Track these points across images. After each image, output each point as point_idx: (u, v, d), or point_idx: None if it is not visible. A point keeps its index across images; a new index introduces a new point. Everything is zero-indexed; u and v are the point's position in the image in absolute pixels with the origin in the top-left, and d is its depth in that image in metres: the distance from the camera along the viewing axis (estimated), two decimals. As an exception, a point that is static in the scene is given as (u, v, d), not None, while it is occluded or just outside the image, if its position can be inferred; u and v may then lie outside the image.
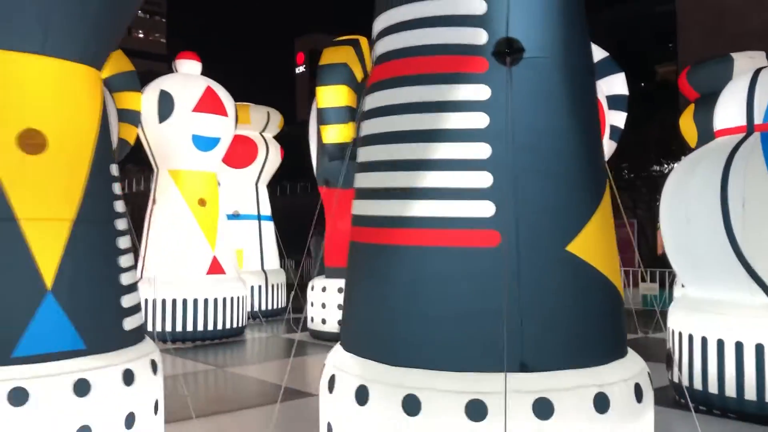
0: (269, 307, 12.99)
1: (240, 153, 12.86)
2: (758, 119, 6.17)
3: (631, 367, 3.35)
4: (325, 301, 10.29)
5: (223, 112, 10.50)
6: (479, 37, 3.27)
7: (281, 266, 14.05)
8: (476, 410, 2.94)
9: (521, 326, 3.05)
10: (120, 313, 3.90)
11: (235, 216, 12.67)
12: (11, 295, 3.45)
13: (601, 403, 3.04)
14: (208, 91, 10.41)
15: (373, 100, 3.62)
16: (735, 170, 5.85)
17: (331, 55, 9.93)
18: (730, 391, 5.64)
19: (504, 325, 2.93)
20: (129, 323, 3.95)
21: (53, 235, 3.62)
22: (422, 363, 3.13)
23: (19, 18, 3.61)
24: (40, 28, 3.68)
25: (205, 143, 10.15)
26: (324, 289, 10.33)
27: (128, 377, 3.73)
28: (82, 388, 3.49)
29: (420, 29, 3.37)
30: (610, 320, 3.38)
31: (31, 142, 3.63)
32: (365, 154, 3.65)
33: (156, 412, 3.90)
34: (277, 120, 13.84)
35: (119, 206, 4.07)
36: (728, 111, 6.47)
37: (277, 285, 13.38)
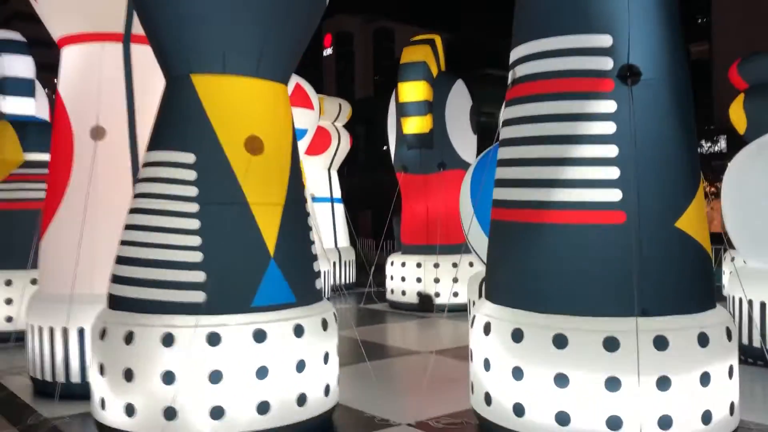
0: (344, 282, 14.19)
1: (315, 142, 13.98)
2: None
3: (721, 314, 4.40)
4: (405, 275, 11.41)
5: (309, 106, 11.62)
6: (607, 63, 4.30)
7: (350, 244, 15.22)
8: (611, 344, 4.01)
9: (642, 283, 4.10)
10: (313, 275, 5.05)
11: (312, 199, 13.85)
12: (248, 261, 4.61)
13: (702, 340, 4.10)
14: (297, 87, 11.52)
15: (516, 111, 4.66)
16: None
17: (411, 54, 10.96)
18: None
19: (634, 283, 4.00)
20: (317, 284, 5.10)
21: (272, 215, 4.77)
22: (567, 311, 4.21)
23: (243, 52, 4.74)
24: (256, 59, 4.79)
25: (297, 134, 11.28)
26: (403, 264, 11.44)
27: (324, 324, 4.88)
28: (299, 331, 4.64)
29: (560, 57, 4.41)
30: (705, 279, 4.43)
31: (254, 146, 4.77)
32: (509, 152, 4.71)
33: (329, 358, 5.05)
34: (347, 110, 14.94)
35: (304, 192, 5.20)
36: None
37: (349, 261, 14.57)
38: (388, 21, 56.10)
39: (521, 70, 4.68)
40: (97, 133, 6.04)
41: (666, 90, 4.36)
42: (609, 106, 4.27)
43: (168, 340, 4.36)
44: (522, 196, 4.55)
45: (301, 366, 4.64)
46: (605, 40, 4.31)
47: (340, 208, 14.79)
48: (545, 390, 4.15)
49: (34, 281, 8.43)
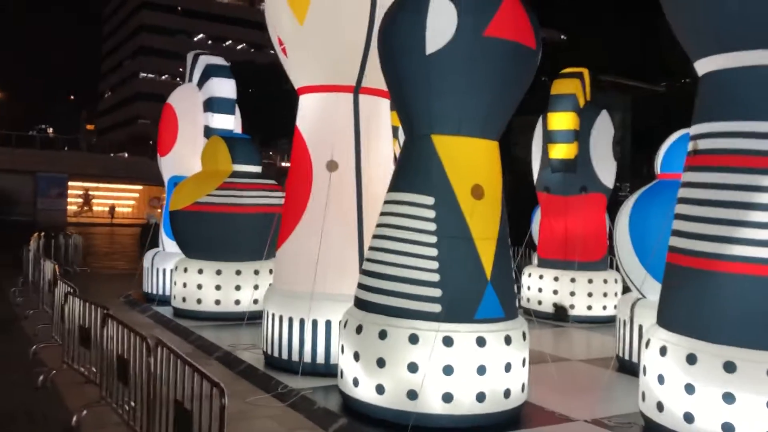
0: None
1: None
2: None
3: None
4: (542, 286, 12.54)
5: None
6: (782, 146, 5.31)
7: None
8: (774, 373, 5.06)
9: (802, 326, 5.11)
10: (514, 296, 6.34)
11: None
12: (472, 282, 5.95)
13: None
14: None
15: (698, 177, 5.74)
16: None
17: (561, 86, 12.03)
18: None
19: (797, 325, 5.03)
20: (516, 303, 6.38)
21: (489, 248, 6.08)
22: (736, 343, 5.28)
23: (473, 119, 6.05)
24: (481, 124, 6.10)
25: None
26: (541, 277, 12.57)
27: (524, 336, 6.17)
28: (508, 339, 5.94)
29: (738, 138, 5.45)
30: None
31: (478, 192, 6.08)
32: (689, 209, 5.78)
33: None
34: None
35: (508, 228, 6.48)
36: None
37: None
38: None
39: (703, 144, 5.76)
40: (332, 166, 7.57)
41: (832, 169, 5.32)
42: (784, 181, 5.29)
43: (414, 339, 5.78)
44: (699, 248, 5.63)
45: (508, 367, 5.95)
46: (782, 127, 5.32)
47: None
48: (714, 405, 5.25)
49: (256, 272, 10.44)
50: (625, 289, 11.56)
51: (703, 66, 5.89)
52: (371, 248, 6.40)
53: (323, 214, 7.45)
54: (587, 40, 46.82)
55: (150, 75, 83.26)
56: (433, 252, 5.97)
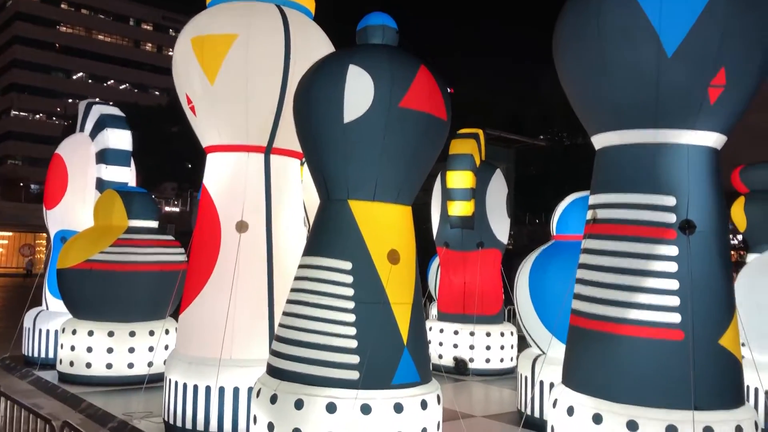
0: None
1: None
2: (811, 237, 8.65)
3: (749, 411, 5.82)
4: (442, 340, 12.76)
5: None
6: (671, 218, 5.80)
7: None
8: (672, 430, 5.41)
9: (695, 386, 5.53)
10: (428, 359, 6.44)
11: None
12: (389, 348, 5.99)
13: (738, 430, 5.51)
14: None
15: (597, 244, 6.13)
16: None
17: (459, 147, 12.54)
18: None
19: (692, 385, 5.43)
20: (429, 366, 6.48)
21: (405, 312, 6.18)
22: (637, 402, 5.61)
23: (389, 186, 6.20)
24: (396, 190, 6.25)
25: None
26: (441, 330, 12.81)
27: (438, 399, 6.25)
28: (424, 404, 6.01)
29: (635, 210, 5.90)
30: (738, 383, 5.86)
31: (394, 257, 6.19)
32: (589, 275, 6.15)
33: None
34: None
35: (421, 291, 6.59)
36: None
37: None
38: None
39: (601, 213, 6.18)
40: (242, 226, 7.44)
41: (714, 238, 5.86)
42: (672, 250, 5.76)
43: (331, 408, 5.70)
44: (600, 311, 5.98)
45: (424, 432, 5.99)
46: (671, 200, 5.82)
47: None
48: (619, 462, 5.53)
49: (152, 332, 9.94)
50: (521, 340, 12.02)
51: (598, 141, 6.37)
52: (286, 314, 6.30)
53: (232, 276, 7.27)
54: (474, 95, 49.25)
55: (23, 113, 78.51)
56: (351, 318, 5.96)
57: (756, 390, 8.32)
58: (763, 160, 13.33)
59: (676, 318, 5.67)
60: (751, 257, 10.97)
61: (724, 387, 5.73)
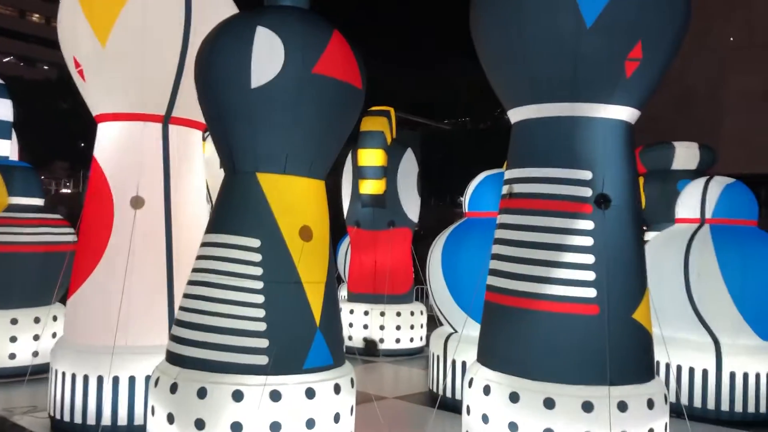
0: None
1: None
2: (708, 214, 8.98)
3: (659, 384, 5.90)
4: (352, 321, 12.50)
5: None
6: (587, 192, 5.74)
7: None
8: (588, 407, 5.37)
9: (610, 361, 5.51)
10: (342, 341, 6.15)
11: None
12: (301, 330, 5.64)
13: (650, 404, 5.55)
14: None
15: (512, 219, 6.00)
16: (693, 251, 8.62)
17: (370, 124, 12.24)
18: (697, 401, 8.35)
19: (607, 360, 5.40)
20: (343, 348, 6.18)
21: (317, 292, 5.83)
22: (554, 379, 5.54)
23: (300, 157, 5.82)
24: (308, 162, 5.88)
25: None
26: (351, 311, 12.54)
27: (352, 382, 5.98)
28: (337, 388, 5.71)
29: (552, 184, 5.81)
30: (649, 357, 5.92)
31: (307, 234, 5.82)
32: (504, 250, 6.02)
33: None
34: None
35: (336, 269, 6.27)
36: (687, 205, 9.26)
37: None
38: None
39: (518, 188, 6.05)
40: (137, 202, 6.83)
41: (628, 213, 5.86)
42: (588, 224, 5.70)
43: (238, 396, 5.29)
44: (516, 287, 5.86)
45: (337, 417, 5.68)
46: (587, 174, 5.76)
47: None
48: (536, 440, 5.45)
49: (37, 319, 9.04)
50: (430, 320, 11.95)
51: (515, 114, 6.22)
52: (187, 296, 5.80)
53: (126, 256, 6.66)
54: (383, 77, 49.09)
55: None
56: (260, 299, 5.55)
57: (667, 365, 8.58)
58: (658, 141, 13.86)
59: (591, 293, 5.63)
60: (650, 235, 11.33)
61: (638, 361, 5.76)
